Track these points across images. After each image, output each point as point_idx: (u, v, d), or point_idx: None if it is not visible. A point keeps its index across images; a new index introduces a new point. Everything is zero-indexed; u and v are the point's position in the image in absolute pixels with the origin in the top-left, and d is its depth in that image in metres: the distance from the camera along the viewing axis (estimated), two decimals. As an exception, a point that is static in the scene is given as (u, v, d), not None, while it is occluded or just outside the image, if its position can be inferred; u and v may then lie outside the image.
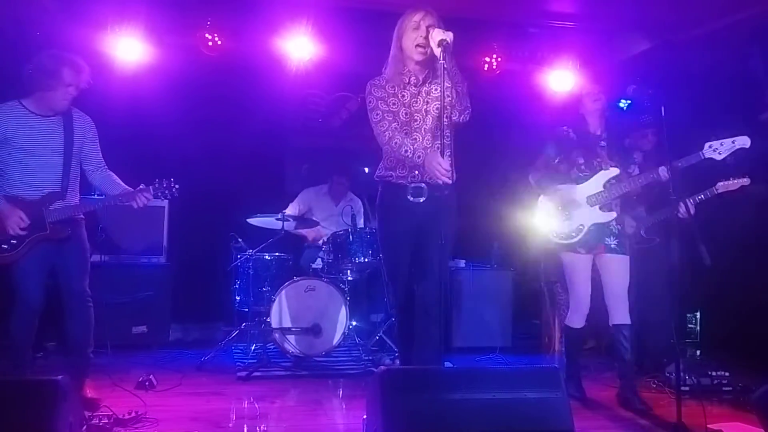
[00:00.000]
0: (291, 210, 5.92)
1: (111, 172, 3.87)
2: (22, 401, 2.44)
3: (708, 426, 3.42)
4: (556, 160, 4.11)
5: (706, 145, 3.82)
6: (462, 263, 5.81)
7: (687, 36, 5.35)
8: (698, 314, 5.99)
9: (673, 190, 3.58)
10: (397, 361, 4.71)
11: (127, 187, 3.79)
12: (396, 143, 3.35)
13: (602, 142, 4.07)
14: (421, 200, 3.41)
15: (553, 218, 4.07)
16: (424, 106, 3.43)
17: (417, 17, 3.34)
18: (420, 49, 3.31)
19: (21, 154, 3.58)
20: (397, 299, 3.55)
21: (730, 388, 4.28)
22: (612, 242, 4.03)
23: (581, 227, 4.00)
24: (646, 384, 4.55)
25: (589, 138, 4.07)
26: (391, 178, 3.49)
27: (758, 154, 5.09)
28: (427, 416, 2.51)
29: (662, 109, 3.56)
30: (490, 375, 2.74)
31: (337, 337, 4.99)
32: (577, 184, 4.05)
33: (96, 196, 4.32)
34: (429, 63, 3.39)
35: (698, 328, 6.00)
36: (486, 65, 5.92)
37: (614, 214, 4.01)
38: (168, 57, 5.55)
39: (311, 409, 3.93)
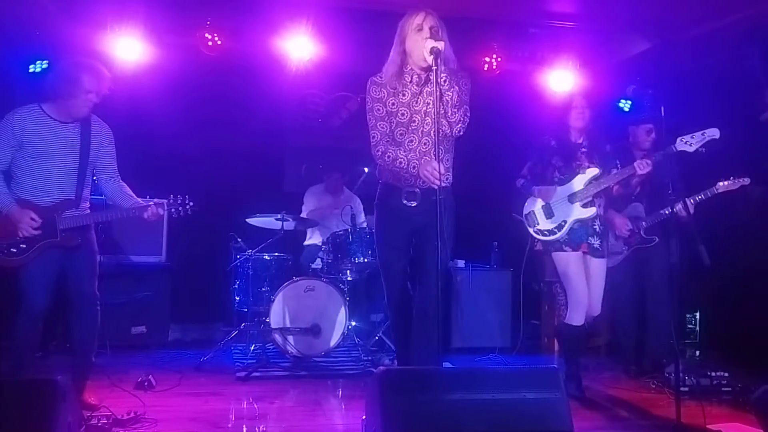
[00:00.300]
0: (305, 211, 5.97)
1: (123, 183, 3.84)
2: (21, 401, 2.45)
3: (707, 426, 3.43)
4: (539, 167, 4.32)
5: (678, 138, 4.00)
6: (461, 263, 5.81)
7: (686, 36, 5.35)
8: (698, 314, 5.99)
9: (673, 189, 3.59)
10: (396, 362, 4.73)
11: (138, 199, 3.77)
12: (390, 157, 3.36)
13: (583, 149, 4.25)
14: (414, 204, 3.41)
15: (538, 216, 4.28)
16: (424, 108, 3.40)
17: (419, 19, 3.30)
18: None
19: (35, 158, 3.55)
20: (392, 299, 3.55)
21: (730, 389, 4.28)
22: (595, 242, 4.20)
23: (563, 223, 4.18)
24: (645, 384, 4.55)
25: (570, 145, 4.26)
26: (387, 179, 3.50)
27: (759, 154, 5.11)
28: (426, 417, 2.51)
29: (662, 108, 3.57)
30: (489, 375, 2.73)
31: (336, 338, 4.99)
32: (560, 185, 4.23)
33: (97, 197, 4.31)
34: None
35: (698, 328, 6.00)
36: (486, 65, 5.92)
37: (594, 210, 4.16)
38: (167, 57, 5.55)
39: (310, 409, 3.93)
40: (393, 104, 3.41)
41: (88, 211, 3.73)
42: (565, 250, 4.17)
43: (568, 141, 4.26)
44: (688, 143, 3.94)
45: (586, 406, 4.01)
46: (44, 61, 5.15)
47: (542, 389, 2.61)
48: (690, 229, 3.67)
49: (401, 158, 3.33)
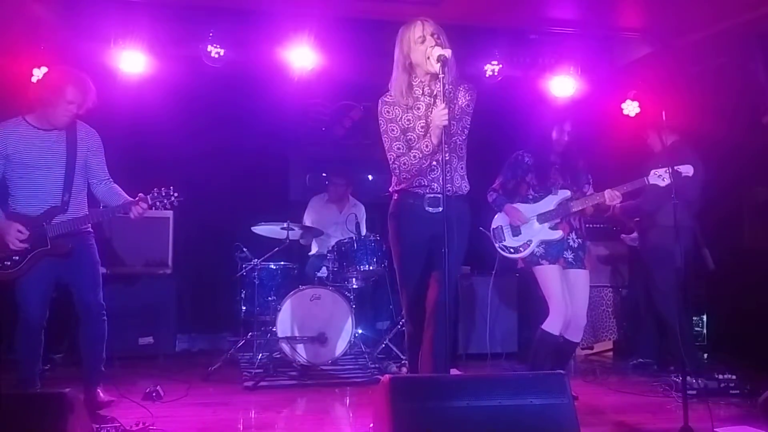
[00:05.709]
0: (306, 220, 5.97)
1: (115, 185, 3.85)
2: (30, 415, 2.46)
3: (715, 429, 3.42)
4: (512, 183, 4.37)
5: (652, 171, 3.97)
6: (467, 269, 5.81)
7: (687, 40, 5.36)
8: (705, 317, 5.98)
9: (675, 195, 3.60)
10: (404, 369, 4.72)
11: (128, 197, 3.76)
12: (409, 166, 3.30)
13: (556, 166, 4.29)
14: (438, 210, 3.38)
15: (505, 233, 4.34)
16: None
17: (418, 30, 3.26)
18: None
19: (23, 169, 3.59)
20: (410, 306, 3.52)
21: (738, 391, 4.28)
22: (569, 256, 4.21)
23: (528, 243, 4.22)
24: (652, 388, 4.55)
25: (544, 163, 4.29)
26: (408, 187, 3.42)
27: (762, 157, 5.12)
28: (433, 424, 2.52)
29: (663, 113, 3.59)
30: (496, 382, 2.74)
31: (343, 346, 4.99)
32: (533, 203, 4.27)
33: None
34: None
35: (705, 331, 5.99)
36: (487, 72, 5.94)
37: (560, 233, 4.18)
38: (171, 69, 5.57)
39: (318, 418, 3.94)
40: (408, 120, 3.36)
41: (82, 215, 3.74)
42: (542, 264, 4.19)
43: (545, 159, 4.30)
44: (661, 177, 3.91)
45: (592, 411, 4.01)
46: (44, 68, 5.15)
47: (549, 395, 2.61)
48: (694, 233, 3.67)
49: (415, 151, 3.27)
